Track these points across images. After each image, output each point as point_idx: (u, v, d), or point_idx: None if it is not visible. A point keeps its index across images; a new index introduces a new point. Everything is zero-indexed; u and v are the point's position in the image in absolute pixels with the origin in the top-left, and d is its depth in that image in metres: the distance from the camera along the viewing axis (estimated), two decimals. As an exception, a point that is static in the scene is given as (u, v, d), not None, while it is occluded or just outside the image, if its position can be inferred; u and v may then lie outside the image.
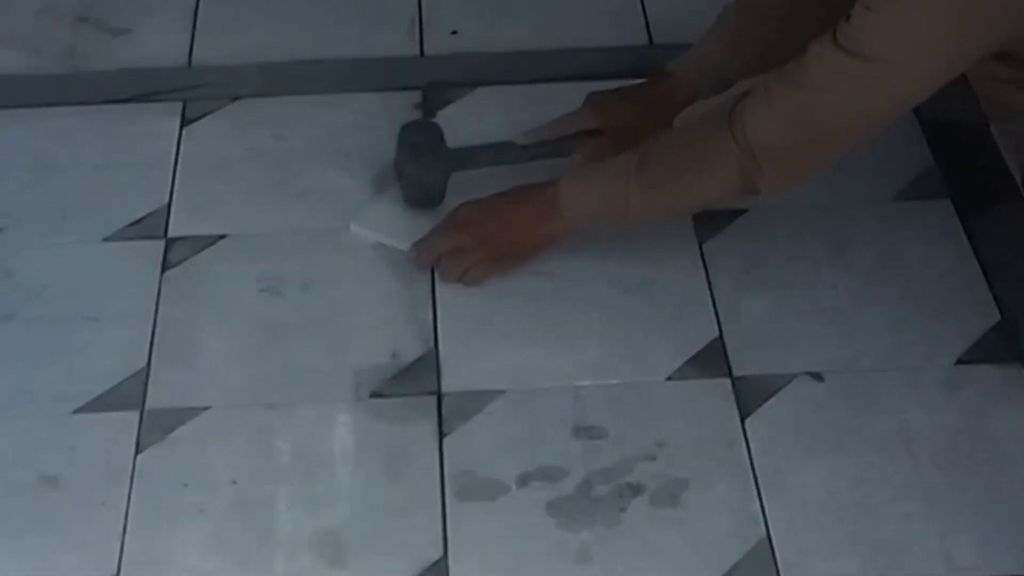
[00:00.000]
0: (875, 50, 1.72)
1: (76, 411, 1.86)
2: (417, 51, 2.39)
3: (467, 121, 2.15)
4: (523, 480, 1.78)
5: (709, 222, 2.07)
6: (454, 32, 2.42)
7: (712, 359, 1.92)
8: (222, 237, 2.08)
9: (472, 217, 1.98)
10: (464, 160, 2.09)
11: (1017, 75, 1.91)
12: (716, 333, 1.94)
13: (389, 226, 2.05)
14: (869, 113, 1.79)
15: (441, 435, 1.84)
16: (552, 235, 1.97)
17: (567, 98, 2.10)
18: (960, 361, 1.92)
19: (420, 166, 2.06)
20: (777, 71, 1.80)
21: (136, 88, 2.31)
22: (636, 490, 1.78)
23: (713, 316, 1.97)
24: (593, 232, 1.97)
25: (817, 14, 1.86)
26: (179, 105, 2.28)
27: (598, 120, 2.08)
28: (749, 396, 1.87)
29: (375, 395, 1.88)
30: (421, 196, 2.08)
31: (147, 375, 1.90)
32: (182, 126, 2.25)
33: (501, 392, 1.88)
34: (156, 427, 1.84)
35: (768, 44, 2.00)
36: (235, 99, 2.29)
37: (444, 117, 2.22)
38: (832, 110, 1.78)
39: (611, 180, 1.90)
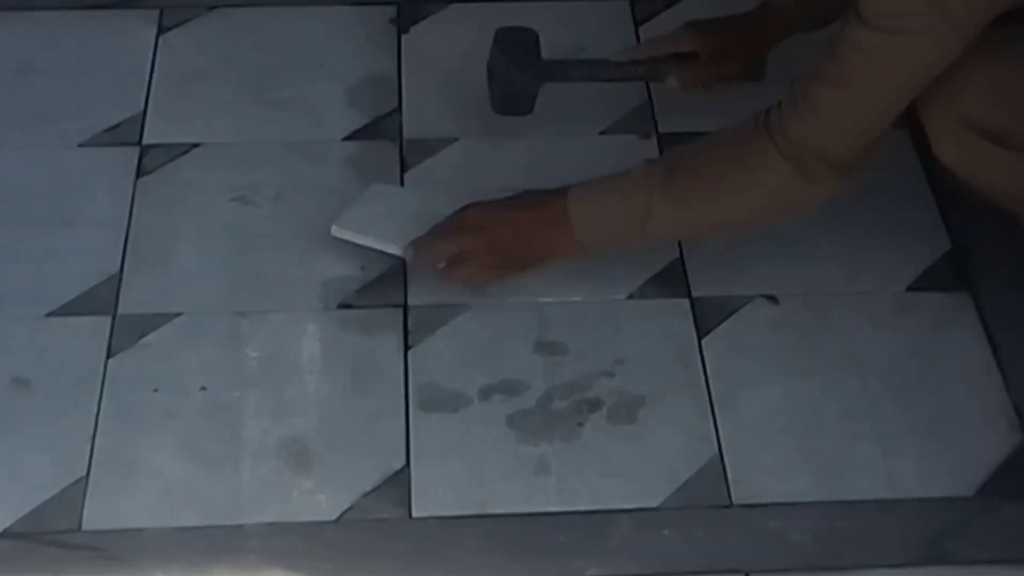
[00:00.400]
0: (901, 17, 1.63)
1: (49, 314, 1.90)
2: (393, -34, 2.41)
3: (441, 37, 2.18)
4: (485, 393, 1.83)
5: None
6: (429, -53, 2.43)
7: (672, 279, 1.96)
8: (196, 146, 2.11)
9: (481, 222, 1.89)
10: (557, 71, 2.07)
11: None
12: (677, 254, 1.98)
13: (374, 226, 1.95)
14: (918, 83, 1.71)
15: (406, 347, 1.88)
16: (563, 251, 1.89)
17: (541, 17, 2.13)
18: (911, 288, 1.96)
19: (513, 68, 2.03)
20: (809, 74, 1.72)
21: (113, -7, 2.33)
22: (594, 405, 1.83)
23: (674, 237, 2.01)
24: (609, 249, 1.91)
25: None
26: (156, 12, 2.30)
27: (695, 43, 2.06)
28: (707, 316, 1.92)
29: (343, 306, 1.92)
30: (510, 101, 2.06)
31: (120, 280, 1.94)
32: (159, 34, 2.27)
33: (466, 307, 1.92)
34: (128, 332, 1.88)
35: None
36: (213, 8, 2.31)
37: (417, 32, 2.26)
38: (880, 95, 1.71)
39: (629, 195, 1.82)
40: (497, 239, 1.89)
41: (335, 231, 1.96)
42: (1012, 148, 1.74)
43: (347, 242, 1.95)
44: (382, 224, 1.96)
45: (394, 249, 1.93)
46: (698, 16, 2.10)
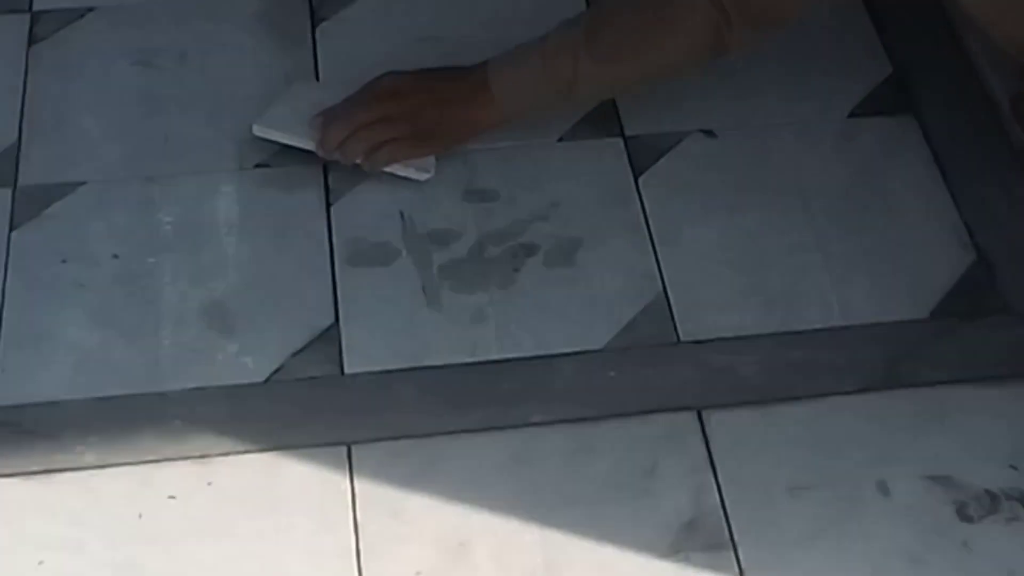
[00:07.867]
0: None
1: (-55, 193, 1.79)
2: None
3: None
4: (414, 244, 1.75)
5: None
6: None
7: (604, 119, 1.88)
8: (91, 10, 1.99)
9: (398, 87, 1.78)
10: None
11: None
12: (607, 93, 1.91)
13: (297, 125, 1.83)
14: None
15: (328, 203, 1.79)
16: (486, 123, 1.79)
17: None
18: (853, 114, 1.90)
19: None
20: None
21: None
22: (530, 250, 1.75)
23: (602, 76, 1.93)
24: (534, 116, 1.83)
25: None
26: None
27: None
28: (642, 154, 1.84)
29: (260, 165, 1.82)
30: None
31: (18, 151, 1.83)
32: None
33: (388, 159, 1.83)
34: (30, 203, 1.78)
35: None
36: None
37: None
38: None
39: (552, 60, 1.74)
40: (415, 105, 1.78)
41: (256, 130, 1.84)
42: None
43: (269, 140, 1.83)
44: (305, 122, 1.83)
45: (315, 148, 1.82)
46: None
